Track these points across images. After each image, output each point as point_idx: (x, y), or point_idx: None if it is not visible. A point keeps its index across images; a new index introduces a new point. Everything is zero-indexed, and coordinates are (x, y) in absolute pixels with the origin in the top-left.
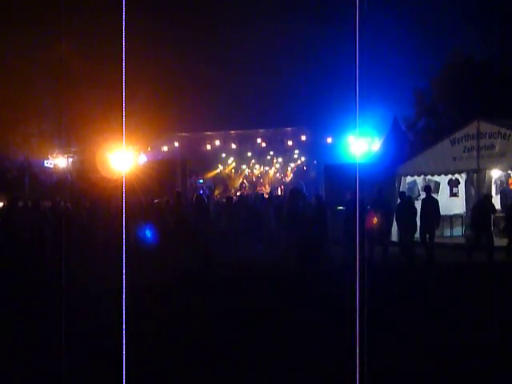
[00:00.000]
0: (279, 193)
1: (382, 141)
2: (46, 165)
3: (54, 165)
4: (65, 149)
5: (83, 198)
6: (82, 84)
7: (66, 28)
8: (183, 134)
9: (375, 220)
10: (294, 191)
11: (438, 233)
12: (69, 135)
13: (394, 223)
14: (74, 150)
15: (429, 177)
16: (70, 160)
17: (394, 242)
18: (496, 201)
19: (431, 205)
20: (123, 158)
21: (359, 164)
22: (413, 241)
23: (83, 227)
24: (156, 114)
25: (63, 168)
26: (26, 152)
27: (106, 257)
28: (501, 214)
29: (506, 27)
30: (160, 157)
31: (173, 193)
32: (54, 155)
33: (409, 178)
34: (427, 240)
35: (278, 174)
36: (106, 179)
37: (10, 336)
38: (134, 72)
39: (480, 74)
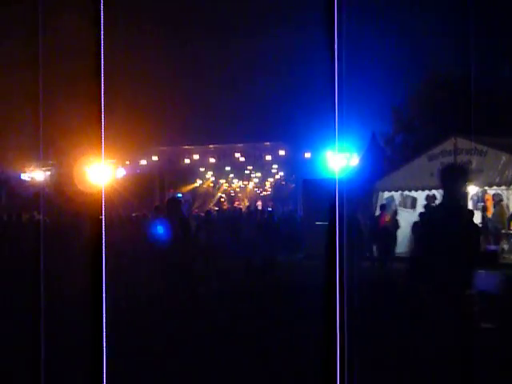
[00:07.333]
0: (258, 207)
1: (360, 156)
2: (22, 178)
3: (31, 178)
4: (42, 162)
5: (61, 211)
6: (61, 97)
7: (43, 40)
8: (162, 147)
9: None
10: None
11: None
12: (46, 148)
13: None
14: (51, 163)
15: (406, 192)
16: (48, 173)
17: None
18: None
19: None
20: (101, 172)
21: (338, 179)
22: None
23: (62, 240)
24: (135, 128)
25: (40, 181)
26: (2, 165)
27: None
28: None
29: (482, 45)
30: (138, 171)
31: (152, 207)
32: (32, 168)
33: (386, 194)
34: None
35: (256, 189)
36: (84, 193)
37: None
38: (113, 85)
39: (456, 91)
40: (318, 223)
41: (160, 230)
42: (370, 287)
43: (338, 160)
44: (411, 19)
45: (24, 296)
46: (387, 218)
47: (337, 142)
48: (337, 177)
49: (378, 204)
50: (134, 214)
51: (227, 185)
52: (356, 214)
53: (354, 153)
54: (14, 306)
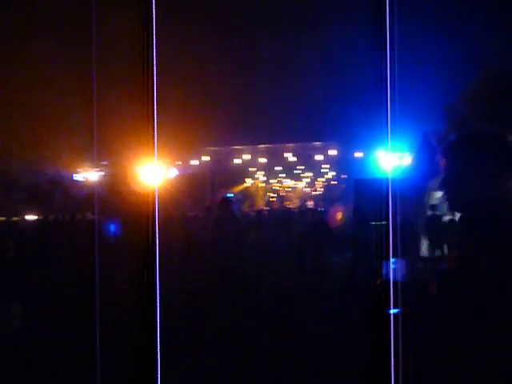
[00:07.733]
0: (309, 207)
1: (412, 155)
2: (76, 179)
3: (85, 179)
4: (95, 162)
5: (114, 211)
6: (114, 97)
7: (96, 40)
8: (213, 148)
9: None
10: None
11: None
12: (100, 149)
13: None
14: (104, 163)
15: None
16: (101, 174)
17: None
18: None
19: None
20: (154, 172)
21: (390, 179)
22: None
23: (116, 240)
24: (187, 128)
25: (94, 182)
26: (56, 166)
27: (140, 269)
28: None
29: None
30: (190, 171)
31: (203, 207)
32: (85, 169)
33: (438, 193)
34: None
35: (306, 189)
36: (137, 193)
37: None
38: (165, 85)
39: (510, 89)
40: (370, 223)
41: (112, 228)
42: (424, 288)
43: (391, 159)
44: (464, 16)
45: (78, 295)
46: (339, 215)
47: (389, 142)
48: (390, 176)
49: (430, 203)
50: (186, 214)
51: (278, 184)
52: (409, 213)
53: (407, 152)
54: (69, 304)
